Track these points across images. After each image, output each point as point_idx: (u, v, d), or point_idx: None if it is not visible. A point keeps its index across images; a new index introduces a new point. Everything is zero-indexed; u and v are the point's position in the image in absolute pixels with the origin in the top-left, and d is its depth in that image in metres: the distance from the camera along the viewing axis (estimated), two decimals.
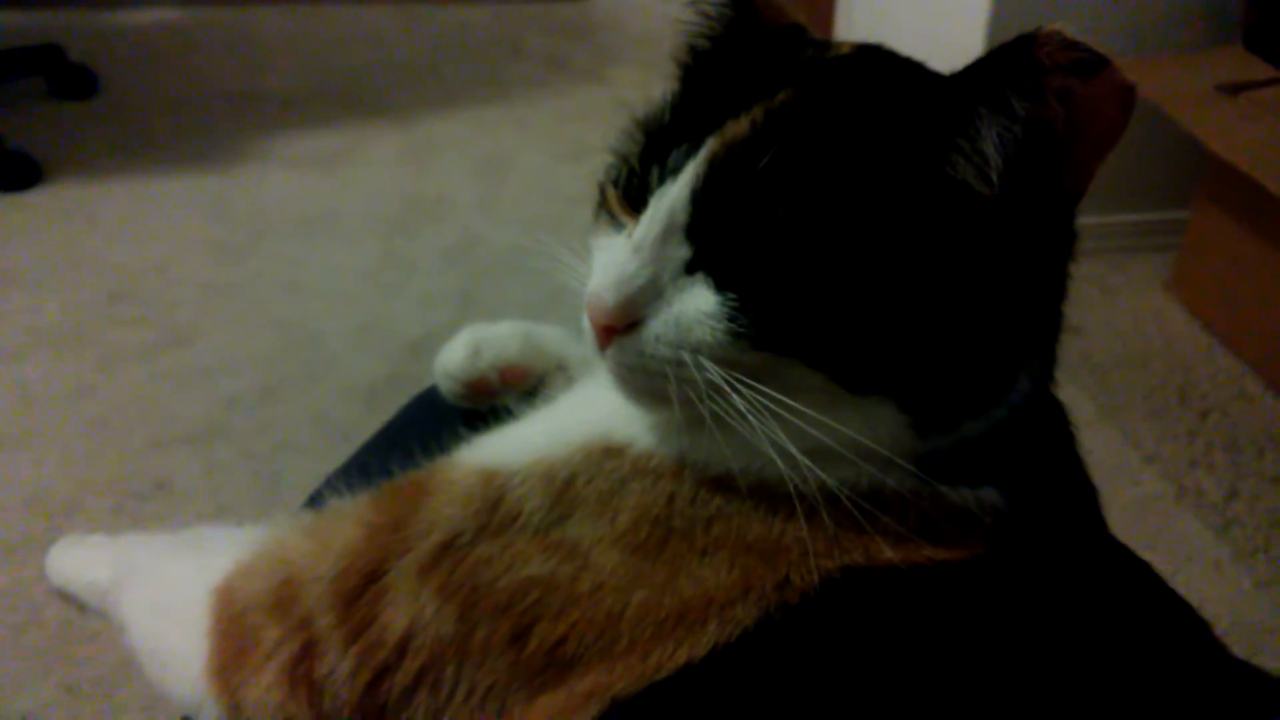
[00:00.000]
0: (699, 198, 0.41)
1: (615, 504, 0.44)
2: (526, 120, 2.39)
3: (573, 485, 0.45)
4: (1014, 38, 0.38)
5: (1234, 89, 1.49)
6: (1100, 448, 1.46)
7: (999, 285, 0.41)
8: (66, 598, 0.68)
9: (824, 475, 0.40)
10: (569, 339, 0.67)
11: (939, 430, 0.43)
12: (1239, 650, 0.45)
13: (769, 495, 0.42)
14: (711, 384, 0.40)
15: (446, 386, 0.66)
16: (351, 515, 0.49)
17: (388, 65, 2.65)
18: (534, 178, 2.16)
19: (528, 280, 1.83)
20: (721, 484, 0.43)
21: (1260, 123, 1.44)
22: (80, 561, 0.69)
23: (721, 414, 0.41)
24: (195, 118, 2.31)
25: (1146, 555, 0.51)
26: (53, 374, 1.56)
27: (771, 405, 0.39)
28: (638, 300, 0.41)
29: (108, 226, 1.93)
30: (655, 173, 0.43)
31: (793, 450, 0.39)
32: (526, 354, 0.65)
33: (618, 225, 0.46)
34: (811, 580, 0.40)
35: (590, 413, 0.49)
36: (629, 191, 0.45)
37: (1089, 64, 0.37)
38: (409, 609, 0.44)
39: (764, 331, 0.40)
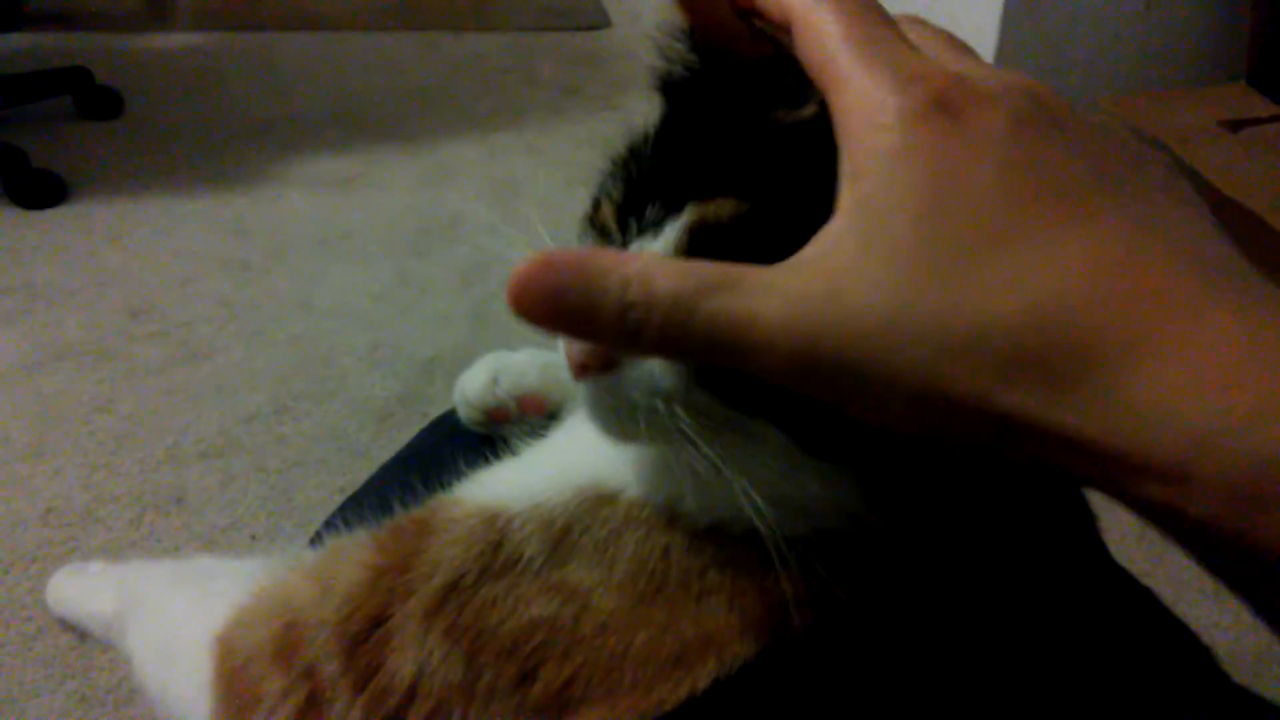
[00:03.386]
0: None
1: (612, 554, 0.44)
2: (539, 146, 2.43)
3: (570, 533, 0.45)
4: None
5: (1236, 125, 1.52)
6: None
7: None
8: (69, 626, 0.67)
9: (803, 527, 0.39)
10: None
11: (901, 504, 0.42)
12: (1237, 678, 0.46)
13: (762, 544, 0.41)
14: (682, 433, 0.39)
15: (465, 412, 0.66)
16: (354, 556, 0.48)
17: (404, 91, 2.69)
18: (546, 201, 2.20)
19: None
20: (714, 534, 0.43)
21: (1261, 158, 1.46)
22: (82, 591, 0.67)
23: (691, 461, 0.40)
24: (217, 139, 2.36)
25: (1146, 581, 0.52)
26: (73, 387, 1.59)
27: (739, 459, 0.39)
28: None
29: (130, 244, 1.97)
30: (634, 223, 0.41)
31: (759, 503, 0.38)
32: (545, 383, 0.65)
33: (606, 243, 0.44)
34: (809, 616, 0.40)
35: (582, 456, 0.48)
36: (622, 210, 0.43)
37: None
38: (416, 654, 0.43)
39: (728, 385, 0.39)
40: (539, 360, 0.66)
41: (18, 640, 1.20)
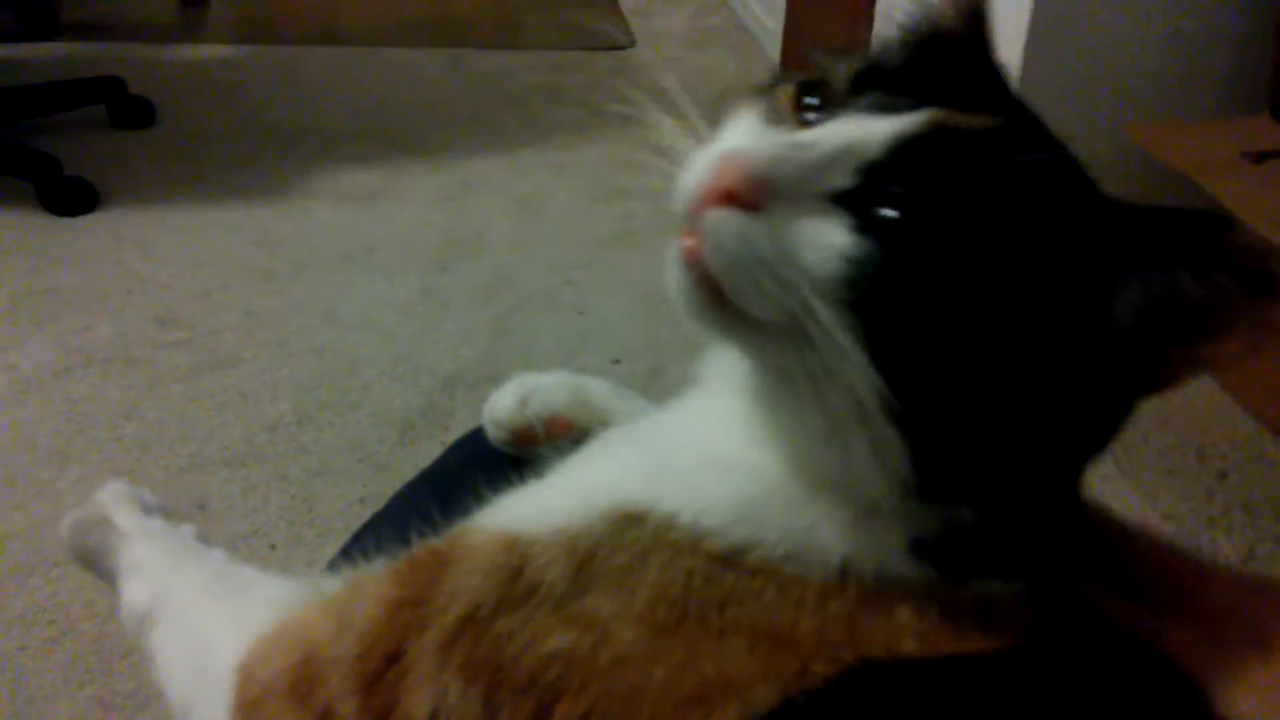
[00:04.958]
0: (900, 145, 0.39)
1: (634, 580, 0.43)
2: (562, 163, 2.45)
3: (595, 558, 0.43)
4: (1207, 213, 0.37)
5: (1259, 156, 1.52)
6: (1118, 505, 1.47)
7: (1069, 395, 0.41)
8: (80, 568, 0.65)
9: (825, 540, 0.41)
10: (615, 394, 0.67)
11: (934, 499, 0.42)
12: None
13: (778, 578, 0.42)
14: (793, 316, 0.37)
15: (493, 433, 0.66)
16: (371, 590, 0.47)
17: (430, 106, 2.72)
18: (568, 219, 2.21)
19: (559, 317, 1.87)
20: (732, 560, 0.43)
21: None
22: (119, 561, 0.62)
23: (774, 361, 0.40)
24: (246, 150, 2.39)
25: None
26: (100, 393, 1.62)
27: (824, 377, 0.38)
28: (781, 184, 0.38)
29: (159, 252, 1.99)
30: (865, 99, 0.41)
31: (873, 378, 0.37)
32: (573, 407, 0.65)
33: (771, 121, 0.45)
34: (830, 670, 0.39)
35: (608, 474, 0.48)
36: (801, 104, 0.44)
37: (1263, 283, 0.35)
38: (432, 691, 0.43)
39: (869, 297, 0.37)
40: (568, 384, 0.66)
41: (39, 644, 1.22)
